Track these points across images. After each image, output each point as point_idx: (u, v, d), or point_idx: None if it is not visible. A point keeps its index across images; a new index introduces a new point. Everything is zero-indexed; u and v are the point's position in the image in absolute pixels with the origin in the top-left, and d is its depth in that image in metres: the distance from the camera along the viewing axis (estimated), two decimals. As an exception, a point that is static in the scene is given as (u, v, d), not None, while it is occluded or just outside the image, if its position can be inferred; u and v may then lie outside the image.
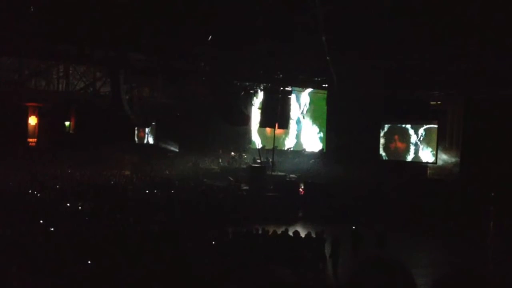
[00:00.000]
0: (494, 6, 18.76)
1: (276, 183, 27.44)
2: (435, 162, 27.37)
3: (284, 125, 30.46)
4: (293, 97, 31.17)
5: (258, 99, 33.10)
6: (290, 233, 16.46)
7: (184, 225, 17.84)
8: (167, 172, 32.17)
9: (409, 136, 28.01)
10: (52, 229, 15.77)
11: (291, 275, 2.77)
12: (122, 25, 21.02)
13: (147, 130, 39.61)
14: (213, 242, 15.33)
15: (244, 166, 31.83)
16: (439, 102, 29.00)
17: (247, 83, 31.07)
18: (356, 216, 19.74)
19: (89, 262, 12.44)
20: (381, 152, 28.58)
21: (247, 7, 19.60)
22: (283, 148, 34.53)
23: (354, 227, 17.60)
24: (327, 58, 23.03)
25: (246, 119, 30.80)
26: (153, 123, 38.21)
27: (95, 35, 22.02)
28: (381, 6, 19.58)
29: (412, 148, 27.89)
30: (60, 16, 20.45)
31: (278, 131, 31.73)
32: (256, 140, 35.41)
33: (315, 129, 34.37)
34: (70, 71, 34.87)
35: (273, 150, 30.77)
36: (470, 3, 18.82)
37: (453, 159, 27.66)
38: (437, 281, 3.00)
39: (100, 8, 19.95)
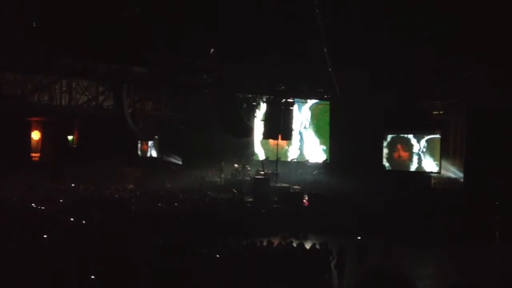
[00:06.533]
0: (495, 14, 18.78)
1: (280, 194, 27.39)
2: (439, 172, 27.29)
3: (287, 136, 30.46)
4: (295, 109, 31.19)
5: (260, 111, 33.15)
6: (295, 244, 16.39)
7: (188, 238, 17.77)
8: (169, 186, 32.17)
9: (412, 146, 27.98)
10: (56, 243, 15.73)
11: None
12: (125, 38, 21.10)
13: (150, 143, 39.69)
14: (217, 255, 15.24)
15: (248, 178, 31.80)
16: (441, 112, 28.96)
17: (249, 95, 31.12)
18: (361, 227, 19.66)
19: (92, 276, 12.37)
20: (385, 162, 28.54)
21: (249, 19, 19.66)
22: (286, 160, 34.49)
23: (359, 238, 17.52)
24: (329, 69, 23.06)
25: (249, 131, 30.79)
26: (156, 136, 38.28)
27: (98, 49, 22.10)
28: (383, 17, 19.63)
29: (415, 158, 27.84)
30: (62, 31, 20.53)
31: (281, 142, 31.72)
32: (259, 152, 35.38)
33: (318, 140, 34.34)
34: (73, 85, 34.97)
35: (277, 161, 30.75)
36: (472, 12, 18.84)
37: (457, 169, 27.57)
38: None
39: (102, 22, 20.04)
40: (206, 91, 28.53)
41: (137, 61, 24.55)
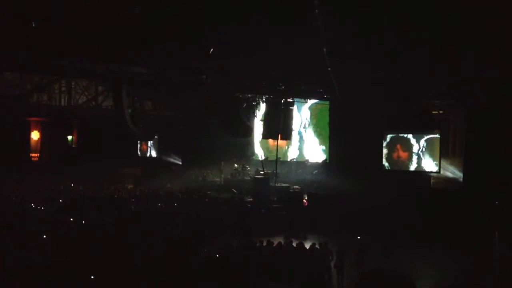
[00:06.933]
0: (493, 14, 18.78)
1: (280, 194, 27.38)
2: (438, 172, 27.29)
3: (287, 136, 30.43)
4: (295, 109, 31.16)
5: (260, 111, 33.14)
6: (294, 244, 16.39)
7: (188, 238, 17.78)
8: (168, 185, 32.17)
9: (411, 146, 27.97)
10: (56, 243, 15.74)
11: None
12: (125, 38, 21.08)
13: (150, 143, 39.72)
14: (217, 255, 15.25)
15: (248, 178, 31.81)
16: (441, 112, 28.95)
17: (249, 95, 31.10)
18: (361, 227, 19.65)
19: (92, 277, 12.37)
20: (384, 162, 28.53)
21: (248, 18, 19.64)
22: (286, 160, 34.50)
23: (359, 238, 17.52)
24: (329, 69, 23.03)
25: (249, 130, 30.80)
26: (156, 136, 38.27)
27: (97, 49, 22.08)
28: (381, 16, 19.61)
29: (414, 158, 27.83)
30: (61, 31, 20.51)
31: (281, 142, 31.71)
32: (259, 151, 35.38)
33: (318, 140, 34.34)
34: (72, 86, 34.97)
35: (276, 161, 30.74)
36: (470, 12, 18.83)
37: (456, 168, 27.57)
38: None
39: (102, 22, 20.02)
40: (205, 91, 28.51)
41: (137, 61, 24.52)
